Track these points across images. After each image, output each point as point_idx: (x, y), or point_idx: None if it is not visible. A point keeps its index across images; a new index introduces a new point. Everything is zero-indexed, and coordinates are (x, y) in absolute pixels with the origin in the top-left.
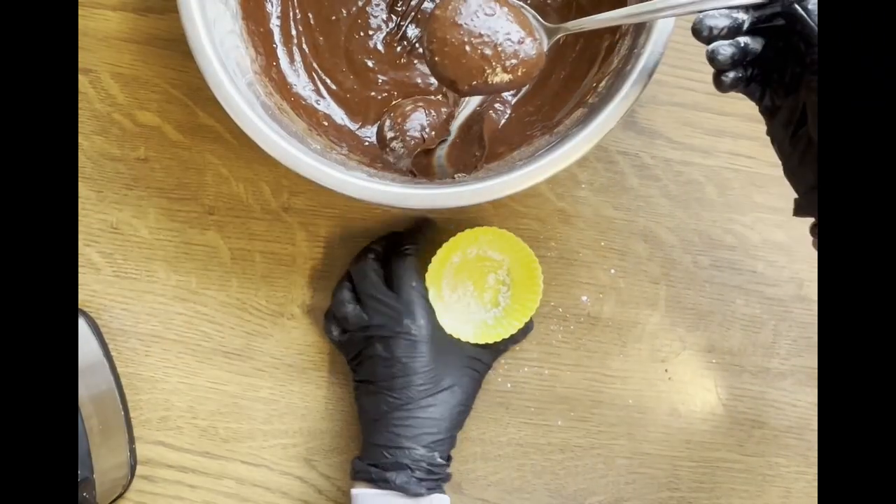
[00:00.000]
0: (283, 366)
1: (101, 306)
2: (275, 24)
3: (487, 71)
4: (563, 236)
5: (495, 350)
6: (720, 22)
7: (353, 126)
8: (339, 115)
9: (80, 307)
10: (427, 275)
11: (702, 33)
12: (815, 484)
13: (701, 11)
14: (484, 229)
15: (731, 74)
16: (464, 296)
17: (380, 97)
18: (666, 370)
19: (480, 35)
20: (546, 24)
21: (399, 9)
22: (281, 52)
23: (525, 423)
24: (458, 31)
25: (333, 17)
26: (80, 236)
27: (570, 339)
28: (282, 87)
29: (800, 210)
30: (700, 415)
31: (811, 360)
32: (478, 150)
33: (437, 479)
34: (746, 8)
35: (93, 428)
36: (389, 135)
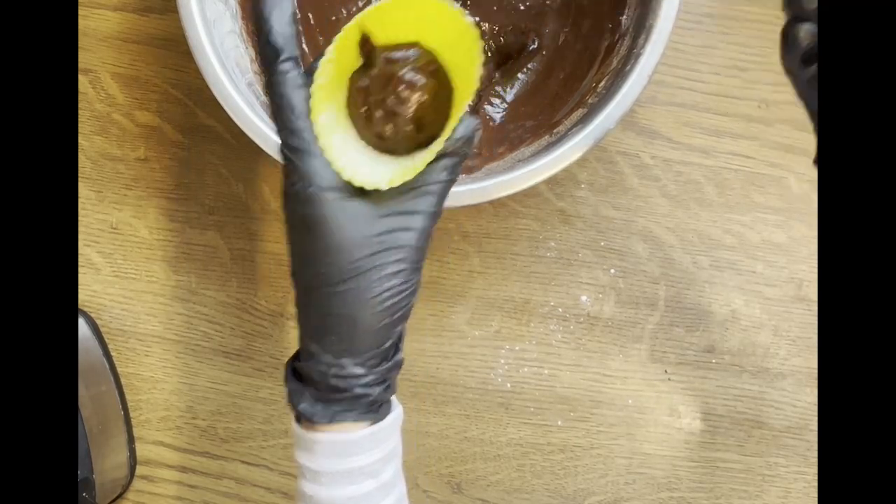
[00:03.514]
0: (283, 366)
1: (101, 306)
2: None
3: None
4: (562, 236)
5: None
6: None
7: None
8: None
9: (80, 307)
10: (314, 95)
11: None
12: (815, 484)
13: None
14: (384, 6)
15: None
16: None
17: None
18: (665, 370)
19: None
20: None
21: None
22: None
23: (525, 423)
24: None
25: (333, 18)
26: (80, 236)
27: (569, 339)
28: None
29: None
30: (700, 415)
31: (811, 361)
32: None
33: (352, 397)
34: None
35: (93, 428)
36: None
